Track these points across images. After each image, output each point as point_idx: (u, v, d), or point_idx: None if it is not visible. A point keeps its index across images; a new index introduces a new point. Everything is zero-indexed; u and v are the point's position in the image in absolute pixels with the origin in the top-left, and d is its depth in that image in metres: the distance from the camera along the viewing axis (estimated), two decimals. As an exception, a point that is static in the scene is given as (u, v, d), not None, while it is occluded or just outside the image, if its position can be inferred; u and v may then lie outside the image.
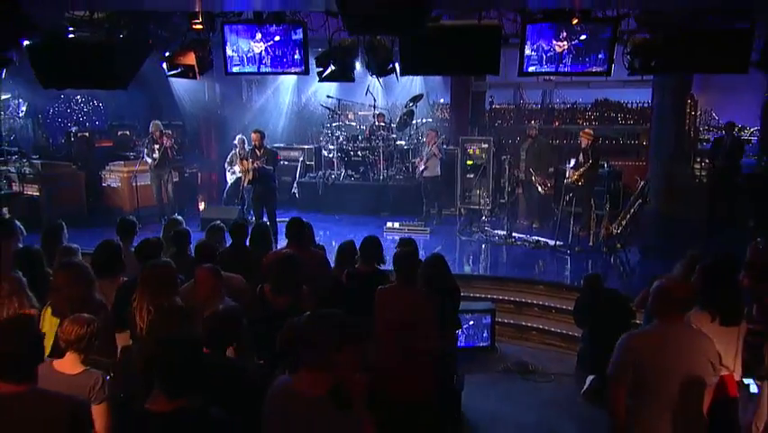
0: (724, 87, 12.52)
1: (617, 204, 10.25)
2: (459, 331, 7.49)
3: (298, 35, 5.97)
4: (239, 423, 2.87)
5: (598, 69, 5.89)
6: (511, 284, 8.81)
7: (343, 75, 6.20)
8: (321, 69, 6.13)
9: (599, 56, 5.82)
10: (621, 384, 3.78)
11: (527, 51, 5.82)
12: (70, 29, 6.20)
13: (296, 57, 6.04)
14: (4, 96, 13.35)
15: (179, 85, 12.89)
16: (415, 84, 14.41)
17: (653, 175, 10.80)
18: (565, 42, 5.77)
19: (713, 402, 3.90)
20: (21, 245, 6.33)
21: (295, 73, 6.16)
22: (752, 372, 4.09)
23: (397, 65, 6.13)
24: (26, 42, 6.03)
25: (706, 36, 5.48)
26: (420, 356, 4.96)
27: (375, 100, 13.16)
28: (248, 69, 6.13)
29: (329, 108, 13.34)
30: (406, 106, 12.75)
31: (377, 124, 13.00)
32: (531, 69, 5.90)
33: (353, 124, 13.73)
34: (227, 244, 6.55)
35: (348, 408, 2.83)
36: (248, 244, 6.45)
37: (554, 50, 5.80)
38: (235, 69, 6.11)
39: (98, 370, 3.68)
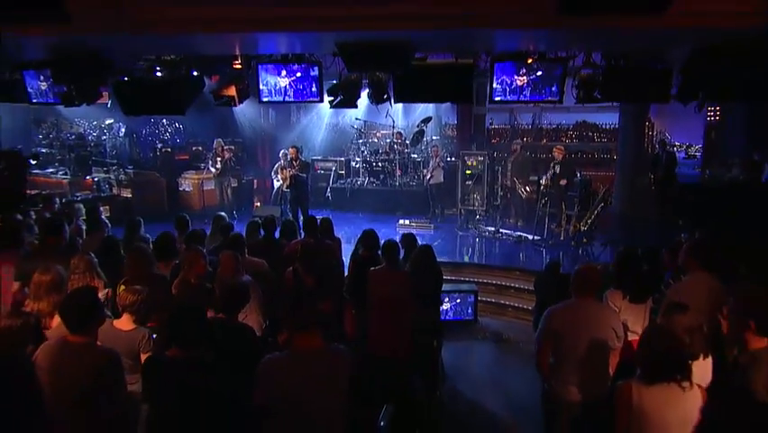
0: (675, 112, 12.32)
1: (586, 206, 10.19)
2: (442, 307, 7.67)
3: (315, 72, 6.01)
4: (231, 368, 3.05)
5: (552, 99, 5.83)
6: (494, 270, 8.84)
7: (350, 103, 6.26)
8: (332, 99, 6.21)
9: (553, 88, 5.74)
10: (544, 346, 3.90)
11: (495, 85, 5.79)
12: (157, 69, 6.42)
13: (313, 89, 6.07)
14: (108, 121, 13.89)
15: (241, 110, 13.00)
16: (428, 108, 14.47)
17: (619, 183, 10.74)
18: (525, 77, 5.72)
19: (621, 362, 3.97)
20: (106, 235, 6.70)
21: (312, 102, 6.20)
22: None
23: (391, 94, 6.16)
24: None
25: (636, 73, 5.45)
26: (401, 321, 5.12)
27: (394, 121, 13.26)
28: (275, 99, 6.16)
29: (356, 128, 13.48)
30: (417, 126, 12.82)
31: (395, 140, 13.08)
32: (497, 98, 5.84)
33: (375, 140, 13.84)
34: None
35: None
36: (278, 235, 6.68)
37: (516, 83, 5.74)
38: (265, 99, 6.17)
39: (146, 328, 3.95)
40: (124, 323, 3.74)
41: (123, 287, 3.96)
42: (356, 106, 6.54)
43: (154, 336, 3.85)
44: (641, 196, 10.15)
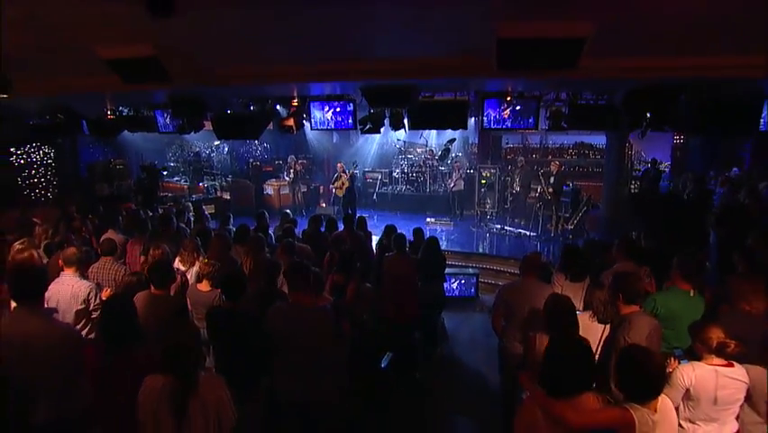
0: (649, 135, 11.89)
1: (575, 209, 10.17)
2: (451, 285, 7.92)
3: (350, 107, 6.36)
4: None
5: (530, 128, 6.03)
6: (495, 259, 9.03)
7: (376, 130, 6.58)
8: (362, 126, 6.53)
9: (530, 120, 5.92)
10: (497, 313, 4.16)
11: (484, 117, 6.06)
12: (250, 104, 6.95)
13: (349, 121, 6.43)
14: (216, 143, 14.65)
15: (312, 133, 13.48)
16: (455, 132, 14.54)
17: (605, 192, 10.54)
18: (507, 110, 5.97)
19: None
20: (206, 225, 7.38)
21: (348, 129, 6.61)
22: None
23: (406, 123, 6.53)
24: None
25: (591, 108, 5.57)
26: (407, 294, 5.45)
27: (427, 142, 13.55)
28: (321, 127, 6.57)
29: (398, 147, 13.82)
30: (444, 146, 12.92)
31: (427, 156, 13.31)
32: (486, 127, 6.10)
33: (412, 156, 14.02)
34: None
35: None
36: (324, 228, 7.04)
37: (500, 115, 5.97)
38: (314, 128, 6.65)
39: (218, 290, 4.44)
40: (204, 286, 4.18)
41: (204, 261, 4.51)
42: (380, 132, 6.87)
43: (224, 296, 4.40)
44: (621, 202, 9.95)
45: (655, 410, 2.09)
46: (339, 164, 11.07)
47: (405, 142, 13.84)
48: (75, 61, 4.51)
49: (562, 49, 3.10)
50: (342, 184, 11.02)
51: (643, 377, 2.09)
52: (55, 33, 3.60)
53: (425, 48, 4.22)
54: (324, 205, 13.71)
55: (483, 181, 11.89)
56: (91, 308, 3.85)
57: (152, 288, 3.63)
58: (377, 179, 13.69)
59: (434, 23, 3.56)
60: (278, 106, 6.98)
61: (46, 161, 11.11)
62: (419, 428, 4.68)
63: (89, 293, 3.85)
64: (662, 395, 2.17)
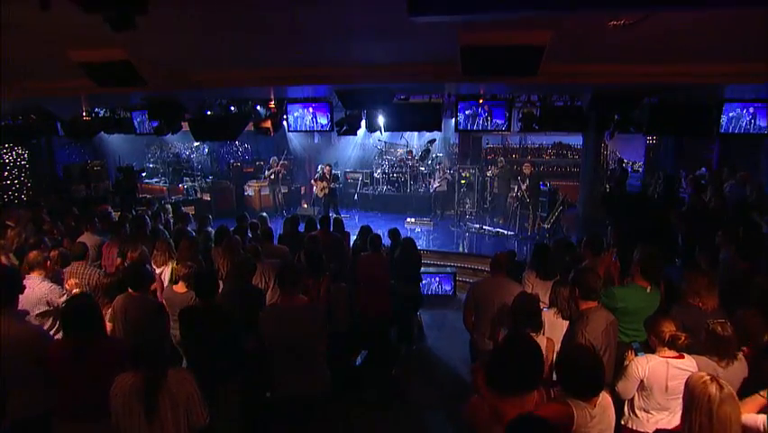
0: (623, 136, 12.20)
1: (553, 209, 10.37)
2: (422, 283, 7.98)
3: (327, 109, 6.38)
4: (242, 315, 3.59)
5: (502, 129, 6.16)
6: (472, 257, 9.14)
7: (352, 131, 6.67)
8: (339, 128, 6.60)
9: (501, 121, 6.05)
10: (468, 309, 4.26)
11: (460, 118, 6.15)
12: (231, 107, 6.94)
13: (326, 122, 6.46)
14: (196, 144, 14.54)
15: (293, 134, 13.40)
16: (435, 132, 14.62)
17: (581, 191, 10.76)
18: (479, 113, 6.13)
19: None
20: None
21: (325, 131, 6.67)
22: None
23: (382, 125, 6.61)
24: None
25: (561, 111, 5.73)
26: (381, 291, 5.53)
27: (407, 142, 13.63)
28: (298, 129, 6.60)
29: (378, 147, 13.87)
30: (424, 146, 12.98)
31: (407, 157, 13.38)
32: (461, 128, 6.17)
33: (392, 157, 14.00)
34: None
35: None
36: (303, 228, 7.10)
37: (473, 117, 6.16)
38: (292, 129, 6.65)
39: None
40: (180, 288, 4.24)
41: (177, 263, 4.54)
42: (356, 134, 6.96)
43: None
44: (597, 201, 10.17)
45: (594, 406, 2.22)
46: (327, 167, 11.07)
47: (385, 142, 13.87)
48: (50, 64, 4.51)
49: (522, 56, 3.24)
50: (323, 188, 11.05)
51: (583, 376, 2.22)
52: (29, 37, 3.61)
53: (396, 53, 4.32)
54: (306, 205, 13.57)
55: (463, 181, 12.02)
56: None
57: (129, 289, 3.65)
58: (358, 179, 13.69)
59: (404, 29, 3.67)
60: (258, 107, 7.02)
61: (20, 162, 10.95)
62: (394, 422, 4.78)
63: (54, 296, 3.82)
64: (603, 392, 2.30)
